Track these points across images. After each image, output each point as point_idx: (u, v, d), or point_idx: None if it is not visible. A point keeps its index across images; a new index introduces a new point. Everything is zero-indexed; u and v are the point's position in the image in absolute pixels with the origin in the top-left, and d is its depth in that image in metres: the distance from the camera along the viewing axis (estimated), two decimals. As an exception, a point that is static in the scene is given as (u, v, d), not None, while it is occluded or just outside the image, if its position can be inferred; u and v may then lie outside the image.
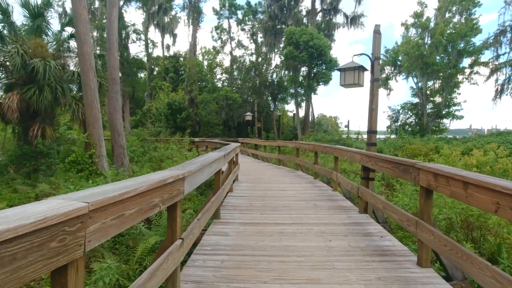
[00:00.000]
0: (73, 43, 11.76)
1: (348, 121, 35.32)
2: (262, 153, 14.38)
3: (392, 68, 25.76)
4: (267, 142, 13.90)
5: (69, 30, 12.13)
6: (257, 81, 27.74)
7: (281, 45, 26.82)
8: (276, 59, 33.91)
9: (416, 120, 25.63)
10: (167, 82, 28.57)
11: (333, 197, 6.07)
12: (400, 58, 24.67)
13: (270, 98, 32.26)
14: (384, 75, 26.03)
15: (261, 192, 6.64)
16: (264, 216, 4.70)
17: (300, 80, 22.84)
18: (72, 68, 11.62)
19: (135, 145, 15.29)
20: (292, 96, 25.24)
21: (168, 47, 34.09)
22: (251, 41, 33.83)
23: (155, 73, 30.90)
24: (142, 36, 21.25)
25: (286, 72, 27.95)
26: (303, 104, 26.83)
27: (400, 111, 26.33)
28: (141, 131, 17.93)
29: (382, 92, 27.65)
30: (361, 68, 4.68)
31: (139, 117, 26.55)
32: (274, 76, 30.66)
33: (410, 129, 25.32)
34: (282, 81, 28.99)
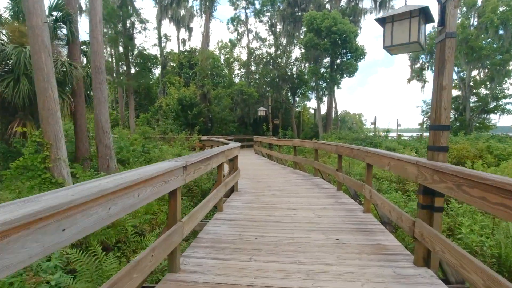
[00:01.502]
0: (63, 30, 10.55)
1: (375, 118, 32.41)
2: (277, 153, 12.52)
3: (428, 57, 22.70)
4: (282, 141, 12.01)
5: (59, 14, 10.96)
6: (276, 74, 25.74)
7: (301, 36, 24.64)
8: (296, 51, 31.50)
9: (456, 115, 22.49)
10: (179, 77, 27.35)
11: (365, 225, 4.11)
12: (437, 45, 21.58)
13: (289, 93, 30.24)
14: (418, 65, 23.11)
15: (262, 212, 4.81)
16: (255, 266, 2.86)
17: (321, 71, 20.59)
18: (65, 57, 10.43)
19: (137, 144, 14.01)
20: (313, 90, 23.00)
21: (183, 41, 33.03)
22: (270, 32, 31.85)
23: (169, 68, 29.84)
24: (148, 26, 19.77)
25: (307, 65, 25.70)
26: (325, 99, 24.57)
27: (437, 106, 23.20)
28: (145, 128, 16.67)
29: (415, 84, 24.63)
30: (423, 14, 2.66)
31: (150, 114, 25.58)
32: (294, 70, 28.56)
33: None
34: (302, 74, 26.82)
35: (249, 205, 5.24)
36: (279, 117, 29.71)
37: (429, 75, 22.84)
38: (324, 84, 21.14)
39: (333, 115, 24.65)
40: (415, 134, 28.08)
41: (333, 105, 24.09)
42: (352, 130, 25.25)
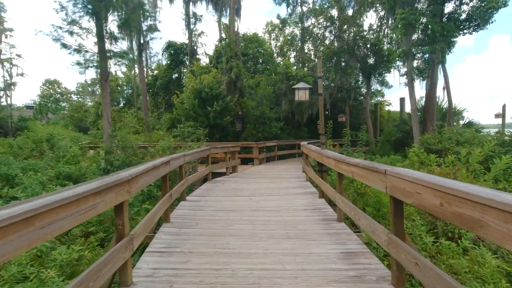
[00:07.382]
0: None
1: (504, 106, 20.88)
2: (335, 194, 4.85)
3: None
4: (346, 164, 4.21)
5: None
6: (339, 47, 17.44)
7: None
8: (370, 17, 21.79)
9: None
10: (216, 69, 21.39)
11: None
12: None
13: (361, 77, 21.36)
14: None
15: None
16: None
17: (422, 21, 11.62)
18: None
19: (90, 161, 8.15)
20: (403, 58, 13.76)
21: (226, 27, 27.22)
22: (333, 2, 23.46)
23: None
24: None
25: (390, 22, 16.64)
26: (415, 84, 15.13)
27: None
28: (127, 134, 10.76)
29: None
30: None
31: (175, 113, 20.13)
32: (368, 45, 19.62)
33: None
34: (380, 43, 17.78)
35: None
36: (346, 111, 21.08)
37: None
38: (426, 48, 12.02)
39: (439, 104, 15.06)
40: None
41: (442, 84, 14.47)
42: (473, 126, 15.17)
